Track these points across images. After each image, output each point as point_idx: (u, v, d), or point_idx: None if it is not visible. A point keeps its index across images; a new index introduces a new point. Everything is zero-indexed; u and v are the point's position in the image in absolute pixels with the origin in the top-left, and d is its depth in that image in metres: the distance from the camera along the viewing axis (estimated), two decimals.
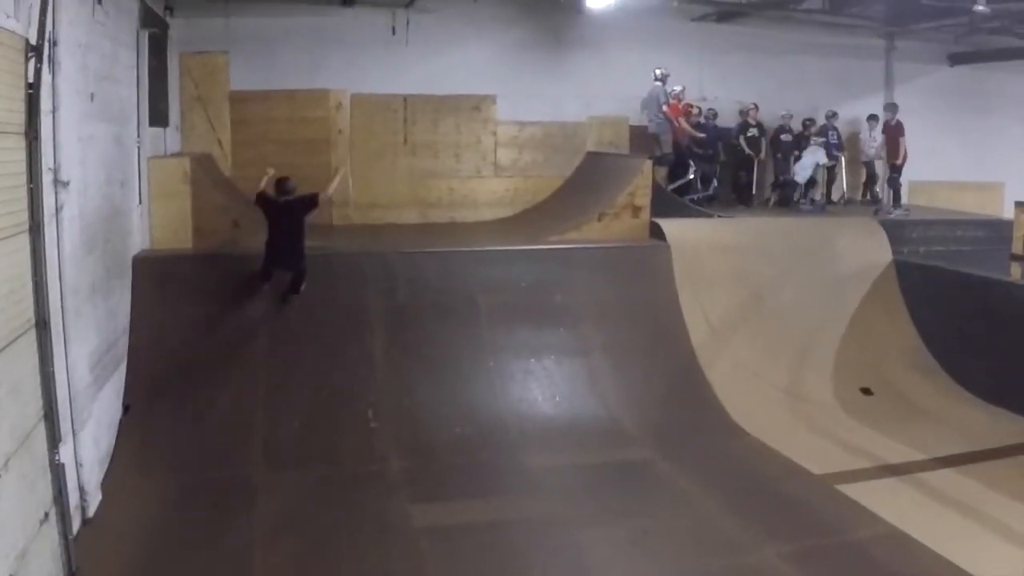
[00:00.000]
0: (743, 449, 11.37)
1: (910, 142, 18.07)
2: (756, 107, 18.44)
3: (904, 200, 18.33)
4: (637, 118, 18.13)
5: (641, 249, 14.08)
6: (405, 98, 16.97)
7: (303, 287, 11.83)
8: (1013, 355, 12.82)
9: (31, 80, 6.98)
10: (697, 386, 12.58)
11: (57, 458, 7.35)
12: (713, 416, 12.11)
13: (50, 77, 7.81)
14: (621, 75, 17.88)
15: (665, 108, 17.36)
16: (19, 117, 6.84)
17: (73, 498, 8.07)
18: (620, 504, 9.62)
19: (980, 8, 14.96)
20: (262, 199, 11.76)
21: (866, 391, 13.33)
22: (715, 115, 18.43)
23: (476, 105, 17.40)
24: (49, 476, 7.22)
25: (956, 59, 20.72)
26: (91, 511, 8.65)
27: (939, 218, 17.11)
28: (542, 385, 12.13)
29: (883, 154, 18.66)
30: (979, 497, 9.92)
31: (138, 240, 11.95)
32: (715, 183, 18.07)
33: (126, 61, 11.33)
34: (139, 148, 11.95)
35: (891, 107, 18.74)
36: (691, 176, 17.69)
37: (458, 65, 17.23)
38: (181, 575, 7.97)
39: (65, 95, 8.18)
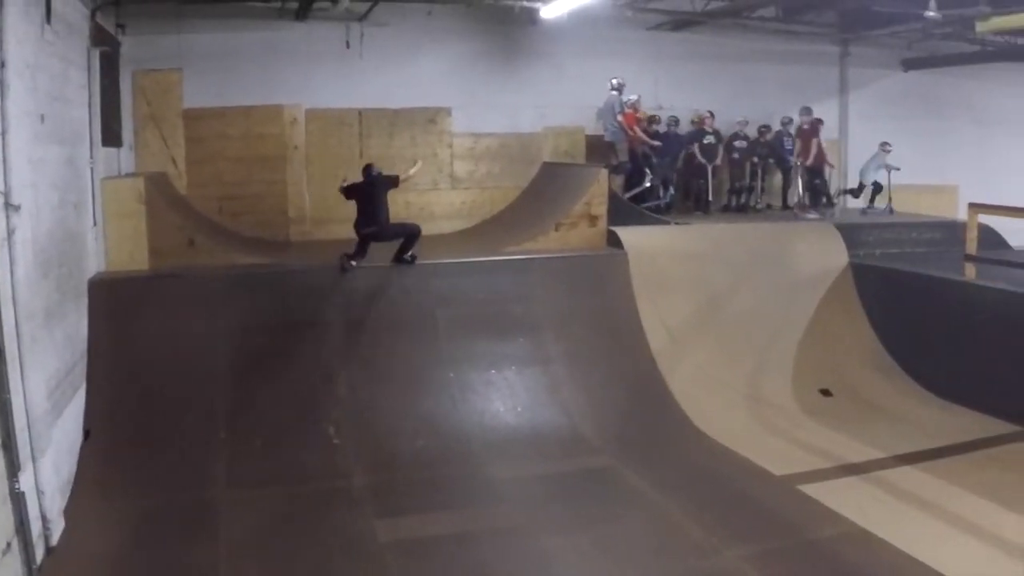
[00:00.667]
0: (705, 453, 11.42)
1: (862, 147, 18.30)
2: (712, 115, 18.54)
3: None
4: (593, 127, 18.25)
5: (599, 258, 14.13)
6: (360, 112, 16.95)
7: (414, 251, 13.13)
8: (969, 353, 13.02)
9: None
10: (657, 392, 12.62)
11: (17, 487, 7.29)
12: (674, 421, 12.16)
13: None
14: (576, 85, 17.94)
15: (620, 117, 17.47)
16: None
17: (36, 527, 7.93)
18: (585, 511, 9.62)
19: (932, 14, 15.18)
20: (349, 189, 13.07)
21: (825, 392, 13.44)
22: (677, 123, 18.50)
23: (432, 118, 17.41)
24: (10, 506, 7.14)
25: (909, 64, 20.98)
26: (55, 539, 8.45)
27: (895, 221, 17.36)
28: (503, 396, 12.11)
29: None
30: (940, 493, 10.02)
31: (93, 263, 11.82)
32: (672, 191, 18.14)
33: (77, 81, 11.21)
34: (92, 169, 11.79)
35: (805, 111, 18.95)
36: (648, 184, 17.79)
37: (413, 78, 17.20)
38: None
39: (14, 117, 8.04)
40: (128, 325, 11.37)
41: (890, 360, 14.16)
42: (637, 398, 12.48)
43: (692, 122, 18.79)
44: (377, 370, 11.88)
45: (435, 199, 17.34)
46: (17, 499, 7.24)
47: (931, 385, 13.49)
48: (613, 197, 15.63)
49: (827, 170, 19.51)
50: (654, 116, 18.30)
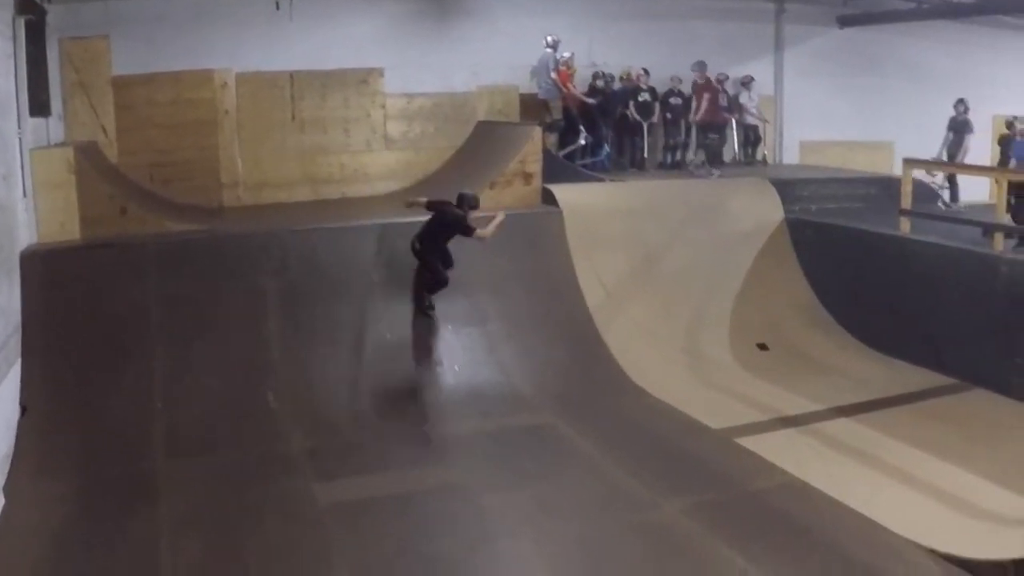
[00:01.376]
0: (643, 408, 11.48)
1: (801, 102, 18.41)
2: (646, 72, 18.46)
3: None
4: (527, 86, 18.12)
5: (533, 216, 14.08)
6: (291, 74, 16.59)
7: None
8: (904, 307, 13.23)
9: None
10: (595, 349, 12.65)
11: None
12: (612, 378, 12.20)
13: None
14: (510, 44, 17.71)
15: (554, 75, 17.41)
16: None
17: None
18: (524, 469, 9.65)
19: None
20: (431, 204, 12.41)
21: (762, 347, 13.59)
22: (613, 79, 18.43)
23: (364, 79, 17.14)
24: None
25: (845, 21, 20.93)
26: None
27: (830, 176, 17.46)
28: (441, 355, 12.15)
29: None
30: (876, 444, 10.21)
31: (25, 235, 11.50)
32: (607, 148, 18.15)
33: (2, 51, 10.87)
34: (20, 140, 11.48)
35: (697, 65, 18.84)
36: (582, 142, 17.73)
37: (344, 38, 16.84)
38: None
39: None
40: (62, 297, 11.11)
41: (826, 314, 14.34)
42: (575, 355, 12.49)
43: (620, 79, 18.66)
44: (314, 333, 11.78)
45: (369, 160, 17.09)
46: None
47: (867, 338, 13.70)
48: (547, 155, 15.60)
49: (761, 126, 19.61)
50: (598, 72, 18.25)
